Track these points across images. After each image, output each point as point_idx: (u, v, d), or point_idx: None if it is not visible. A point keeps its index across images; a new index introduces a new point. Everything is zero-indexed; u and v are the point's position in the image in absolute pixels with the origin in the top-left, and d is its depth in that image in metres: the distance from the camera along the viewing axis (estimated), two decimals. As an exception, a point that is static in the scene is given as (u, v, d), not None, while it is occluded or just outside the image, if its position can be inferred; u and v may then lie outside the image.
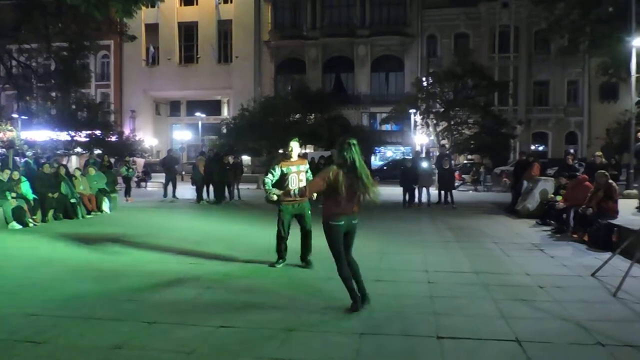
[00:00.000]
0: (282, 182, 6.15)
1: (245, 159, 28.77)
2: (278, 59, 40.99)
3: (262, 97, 31.76)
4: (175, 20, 41.64)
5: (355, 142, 4.55)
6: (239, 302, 4.95)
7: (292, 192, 5.32)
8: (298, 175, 6.22)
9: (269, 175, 6.16)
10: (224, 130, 27.68)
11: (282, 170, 6.18)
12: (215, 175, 15.50)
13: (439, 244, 8.44)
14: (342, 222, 4.56)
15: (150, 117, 42.63)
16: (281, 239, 6.43)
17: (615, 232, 7.77)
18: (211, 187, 15.84)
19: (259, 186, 17.70)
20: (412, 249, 7.90)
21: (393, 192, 15.76)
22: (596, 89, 37.81)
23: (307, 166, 6.52)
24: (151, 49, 42.17)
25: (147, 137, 38.15)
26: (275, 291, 5.40)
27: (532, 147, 38.30)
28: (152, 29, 41.50)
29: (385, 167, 32.83)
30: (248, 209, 14.59)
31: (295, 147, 6.38)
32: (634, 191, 12.08)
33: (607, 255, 6.28)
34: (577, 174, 11.18)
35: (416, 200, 14.86)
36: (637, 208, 10.07)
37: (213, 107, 41.65)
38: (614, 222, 8.11)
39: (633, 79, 16.34)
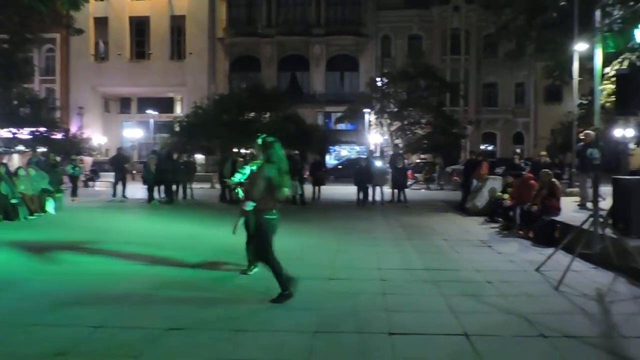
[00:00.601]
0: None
1: (199, 157, 28.31)
2: (232, 56, 40.49)
3: (216, 95, 31.29)
4: (126, 14, 40.40)
5: (275, 140, 5.08)
6: (189, 304, 4.85)
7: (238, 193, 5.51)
8: None
9: (237, 175, 6.03)
10: (177, 129, 27.11)
11: (251, 170, 5.94)
12: (167, 174, 15.17)
13: (392, 242, 8.56)
14: (276, 216, 4.97)
15: (99, 114, 41.19)
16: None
17: (557, 228, 8.11)
18: (162, 187, 15.49)
19: (213, 185, 17.42)
20: (366, 247, 7.98)
21: (347, 191, 15.90)
22: (542, 91, 39.34)
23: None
24: (100, 43, 40.78)
25: (95, 134, 36.89)
26: (226, 292, 5.33)
27: (482, 147, 39.40)
28: (101, 23, 40.11)
29: (340, 166, 33.03)
30: (200, 208, 14.35)
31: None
32: (576, 189, 12.61)
33: (550, 250, 6.53)
34: (523, 172, 11.57)
35: (370, 199, 15.01)
36: (578, 205, 10.51)
37: (165, 105, 40.68)
38: (557, 219, 8.46)
39: (575, 82, 17.10)
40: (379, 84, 31.60)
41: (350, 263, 6.80)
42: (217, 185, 16.42)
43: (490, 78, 40.25)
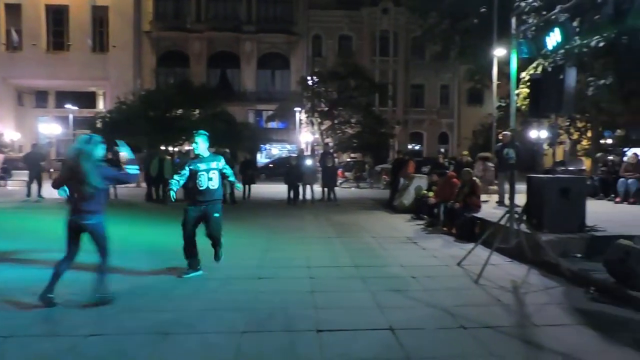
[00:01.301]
0: (191, 181, 5.82)
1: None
2: (160, 50, 39.17)
3: (142, 90, 30.20)
4: (41, 2, 37.97)
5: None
6: (110, 308, 4.64)
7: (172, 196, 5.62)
8: (208, 174, 5.78)
9: (175, 176, 5.85)
10: (99, 125, 25.91)
11: (190, 169, 5.80)
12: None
13: (321, 240, 8.63)
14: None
15: (11, 108, 38.44)
16: (185, 243, 5.83)
17: (478, 224, 8.52)
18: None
19: (139, 184, 16.78)
20: (295, 246, 7.99)
21: (278, 189, 15.85)
22: (465, 93, 41.17)
23: (222, 163, 5.97)
24: (12, 32, 38.06)
25: (7, 130, 34.45)
26: (149, 294, 5.15)
27: (410, 146, 40.69)
28: (13, 10, 37.44)
29: (271, 165, 32.91)
30: (125, 207, 13.77)
31: (200, 142, 5.87)
32: (495, 187, 13.30)
33: (471, 245, 6.85)
34: (447, 171, 12.04)
35: (300, 197, 15.06)
36: (497, 202, 11.09)
37: (86, 99, 38.62)
38: (477, 215, 8.88)
39: (494, 86, 18.04)
40: (310, 83, 31.81)
41: (280, 262, 6.79)
42: (143, 184, 15.82)
43: (417, 79, 41.56)
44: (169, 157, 16.57)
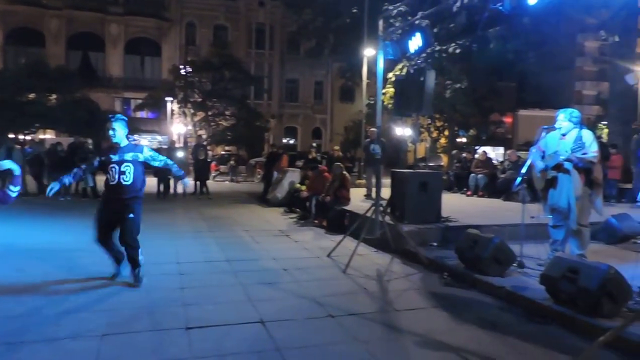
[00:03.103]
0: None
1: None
2: (8, 26, 34.98)
3: (-17, 70, 26.81)
4: None
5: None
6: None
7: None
8: (120, 167, 5.00)
9: (75, 169, 5.16)
10: None
11: (100, 160, 5.07)
12: None
13: (192, 235, 8.41)
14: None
15: None
16: (102, 247, 5.14)
17: (347, 217, 8.89)
18: None
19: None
20: (164, 241, 7.68)
21: (147, 182, 15.09)
22: (338, 90, 42.64)
23: (143, 154, 5.23)
24: None
25: None
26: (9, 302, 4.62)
27: (284, 140, 41.15)
28: None
29: (140, 156, 31.16)
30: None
31: (118, 128, 5.08)
32: (364, 181, 13.99)
33: (341, 237, 7.13)
34: (319, 165, 12.38)
35: (171, 191, 14.51)
36: (365, 195, 11.66)
37: None
38: (347, 208, 9.27)
39: (364, 84, 18.91)
40: (183, 72, 30.67)
41: (147, 258, 6.41)
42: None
43: (292, 74, 42.09)
44: (18, 147, 14.95)
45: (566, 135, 5.49)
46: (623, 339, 3.45)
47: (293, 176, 12.98)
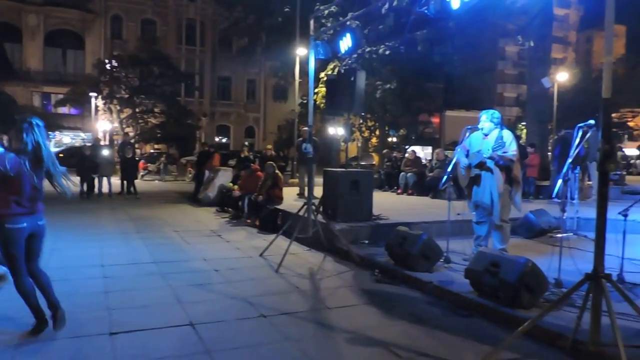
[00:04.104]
0: None
1: None
2: None
3: None
4: None
5: (39, 122, 3.69)
6: None
7: None
8: None
9: None
10: None
11: None
12: None
13: (118, 236, 8.07)
14: (25, 225, 3.65)
15: None
16: None
17: (279, 216, 8.86)
18: None
19: None
20: (88, 243, 7.32)
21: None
22: (270, 89, 42.44)
23: None
24: None
25: None
26: None
27: (217, 139, 40.47)
28: None
29: (61, 155, 29.51)
30: None
31: None
32: (297, 180, 14.01)
33: (273, 236, 7.09)
34: (251, 164, 12.25)
35: (96, 190, 13.86)
36: (298, 194, 11.69)
37: None
38: (280, 207, 9.24)
39: (297, 83, 18.94)
40: (108, 66, 29.41)
41: (69, 262, 6.13)
42: None
43: (224, 72, 41.44)
44: None
45: (488, 135, 5.77)
46: (540, 328, 3.66)
47: (225, 175, 12.80)
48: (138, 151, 25.61)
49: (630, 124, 43.29)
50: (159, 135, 30.69)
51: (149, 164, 24.50)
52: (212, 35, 40.31)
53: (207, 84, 40.32)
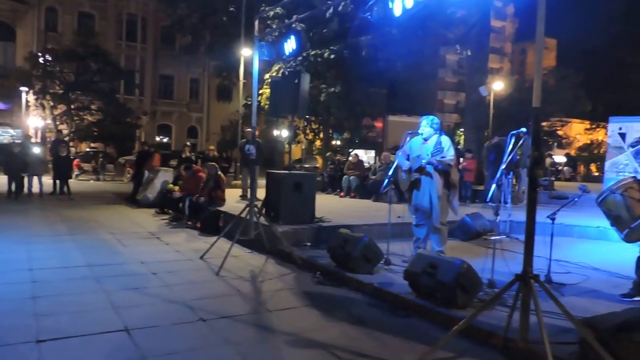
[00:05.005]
0: None
1: None
2: None
3: None
4: None
5: None
6: None
7: None
8: None
9: None
10: None
11: None
12: None
13: (49, 239, 7.67)
14: None
15: None
16: None
17: (221, 217, 8.73)
18: None
19: None
20: (15, 246, 6.92)
21: (-4, 180, 13.54)
22: (214, 89, 41.79)
23: None
24: None
25: None
26: None
27: (158, 139, 39.41)
28: None
29: (-13, 152, 27.86)
30: None
31: None
32: (240, 181, 13.85)
33: (214, 239, 6.97)
34: (193, 165, 12.01)
35: (26, 190, 13.14)
36: (240, 196, 11.55)
37: None
38: (222, 209, 9.10)
39: (241, 84, 18.75)
40: (42, 60, 27.99)
41: (-7, 266, 5.78)
42: None
43: (167, 70, 40.48)
44: None
45: (427, 140, 5.94)
46: (473, 327, 3.79)
47: (165, 176, 12.47)
48: (72, 149, 24.54)
49: (560, 132, 45.84)
50: (95, 133, 29.51)
51: (84, 163, 23.53)
52: (154, 32, 39.26)
53: (148, 82, 39.21)
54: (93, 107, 29.45)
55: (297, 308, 4.75)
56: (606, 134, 12.90)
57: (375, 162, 15.14)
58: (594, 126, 47.36)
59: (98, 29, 36.18)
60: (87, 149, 30.78)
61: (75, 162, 20.94)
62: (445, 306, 4.34)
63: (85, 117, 29.37)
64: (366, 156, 32.11)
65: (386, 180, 6.07)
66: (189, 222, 9.45)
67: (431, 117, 6.08)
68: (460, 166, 12.65)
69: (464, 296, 4.36)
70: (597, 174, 40.26)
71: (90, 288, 5.05)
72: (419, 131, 6.01)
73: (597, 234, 8.12)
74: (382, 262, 5.83)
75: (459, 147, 13.48)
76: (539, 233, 3.59)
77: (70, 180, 14.14)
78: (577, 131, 50.57)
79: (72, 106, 28.90)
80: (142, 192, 12.53)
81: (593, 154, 46.90)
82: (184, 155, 13.58)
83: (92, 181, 20.97)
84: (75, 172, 20.09)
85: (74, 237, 7.88)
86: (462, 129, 37.32)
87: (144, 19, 38.73)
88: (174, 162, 16.31)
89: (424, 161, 5.83)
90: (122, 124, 30.18)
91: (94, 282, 5.27)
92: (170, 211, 10.68)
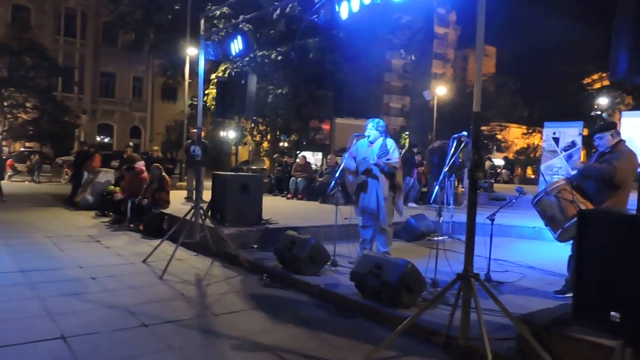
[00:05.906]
0: None
1: None
2: None
3: None
4: None
5: None
6: None
7: None
8: None
9: None
10: None
11: None
12: None
13: (-22, 243, 7.23)
14: None
15: None
16: None
17: (166, 220, 8.52)
18: None
19: None
20: (-61, 251, 6.48)
21: None
22: (159, 88, 40.75)
23: None
24: None
25: None
26: None
27: (98, 138, 38.01)
28: None
29: None
30: None
31: None
32: (185, 183, 13.56)
33: (158, 242, 6.79)
34: (135, 166, 11.66)
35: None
36: (186, 198, 11.32)
37: None
38: (166, 211, 8.89)
39: (186, 84, 18.38)
40: (-30, 54, 26.40)
41: None
42: None
43: (108, 67, 39.15)
44: None
45: (374, 142, 6.03)
46: (417, 326, 3.88)
47: (106, 177, 12.04)
48: (5, 149, 23.30)
49: (499, 136, 47.77)
50: (30, 132, 28.10)
51: (18, 164, 22.36)
52: (95, 27, 37.87)
53: (88, 79, 37.75)
54: (28, 104, 28.04)
55: (243, 311, 4.70)
56: (541, 139, 13.56)
57: (322, 164, 15.19)
58: (530, 131, 49.61)
59: (34, 23, 34.47)
60: (22, 149, 29.25)
61: (9, 162, 19.92)
62: (391, 306, 4.42)
63: (19, 115, 27.93)
64: (314, 158, 32.20)
65: (333, 182, 6.12)
66: (131, 225, 9.16)
67: (377, 120, 6.18)
68: (421, 168, 13.13)
69: (409, 296, 4.45)
70: (533, 176, 42.25)
71: (23, 295, 4.80)
72: (365, 133, 6.10)
73: (533, 234, 8.50)
74: (329, 263, 5.86)
75: (414, 148, 13.75)
76: (479, 233, 3.72)
77: (2, 182, 13.41)
78: (515, 135, 52.84)
79: (5, 103, 27.41)
80: (81, 194, 12.04)
81: (529, 157, 49.13)
82: (126, 156, 13.15)
83: (27, 182, 19.97)
84: (9, 172, 19.09)
85: (5, 241, 7.46)
86: (407, 132, 38.23)
87: (83, 14, 37.26)
88: (115, 163, 15.78)
89: (370, 162, 5.91)
90: (59, 123, 28.90)
91: (27, 288, 5.01)
92: (111, 213, 10.32)
